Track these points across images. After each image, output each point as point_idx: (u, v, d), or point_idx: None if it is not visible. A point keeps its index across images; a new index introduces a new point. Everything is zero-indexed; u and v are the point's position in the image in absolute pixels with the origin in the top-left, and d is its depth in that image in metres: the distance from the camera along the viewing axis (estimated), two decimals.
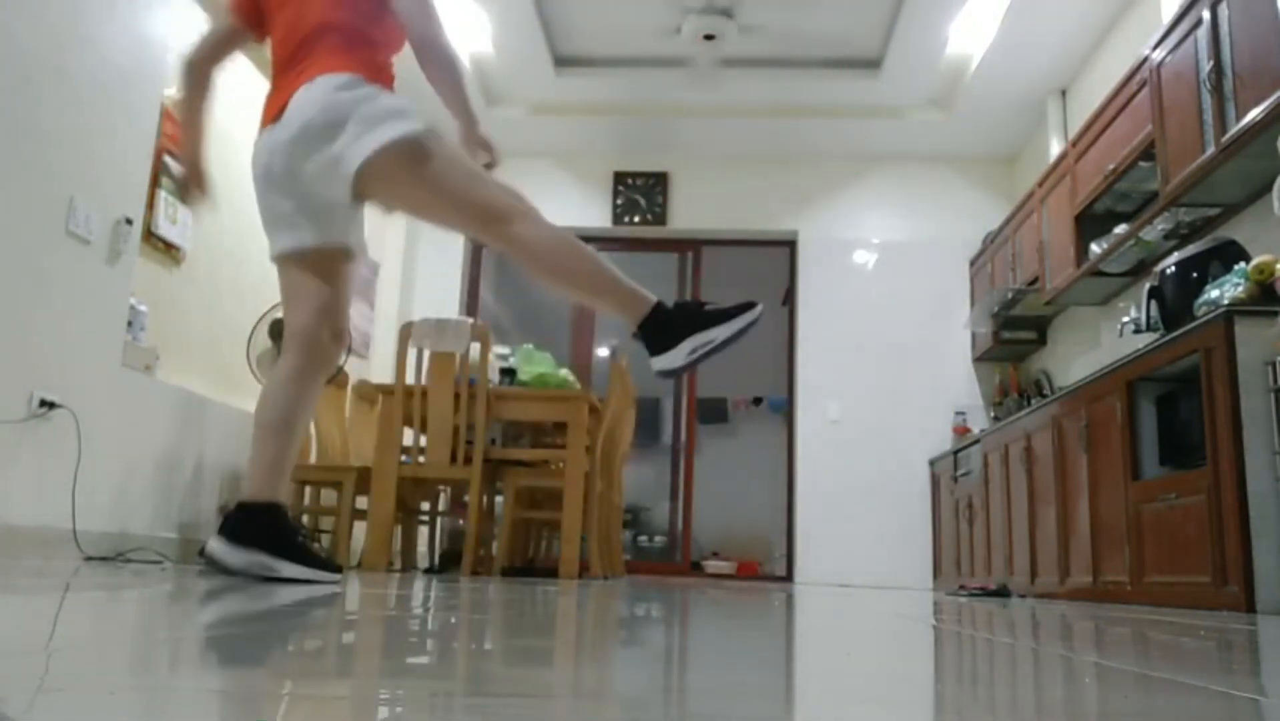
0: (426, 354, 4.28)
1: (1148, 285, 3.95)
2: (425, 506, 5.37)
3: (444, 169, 2.29)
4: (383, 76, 2.48)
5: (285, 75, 2.40)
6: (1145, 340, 3.83)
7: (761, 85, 6.26)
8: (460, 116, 2.61)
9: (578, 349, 7.13)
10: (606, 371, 4.93)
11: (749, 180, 7.11)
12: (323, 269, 2.42)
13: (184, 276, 4.42)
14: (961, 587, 5.26)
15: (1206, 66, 3.62)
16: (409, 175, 2.28)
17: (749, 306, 2.17)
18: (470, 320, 4.34)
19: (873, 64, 6.09)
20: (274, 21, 2.50)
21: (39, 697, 0.60)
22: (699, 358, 2.16)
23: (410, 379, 4.27)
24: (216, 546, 2.22)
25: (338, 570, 2.41)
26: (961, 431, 6.42)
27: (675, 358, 2.16)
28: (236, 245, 4.84)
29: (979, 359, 6.64)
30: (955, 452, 6.02)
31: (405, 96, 2.43)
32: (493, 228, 2.31)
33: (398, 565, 5.18)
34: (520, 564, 5.19)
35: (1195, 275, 3.66)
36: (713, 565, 7.55)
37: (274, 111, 2.36)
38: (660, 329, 2.17)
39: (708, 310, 2.18)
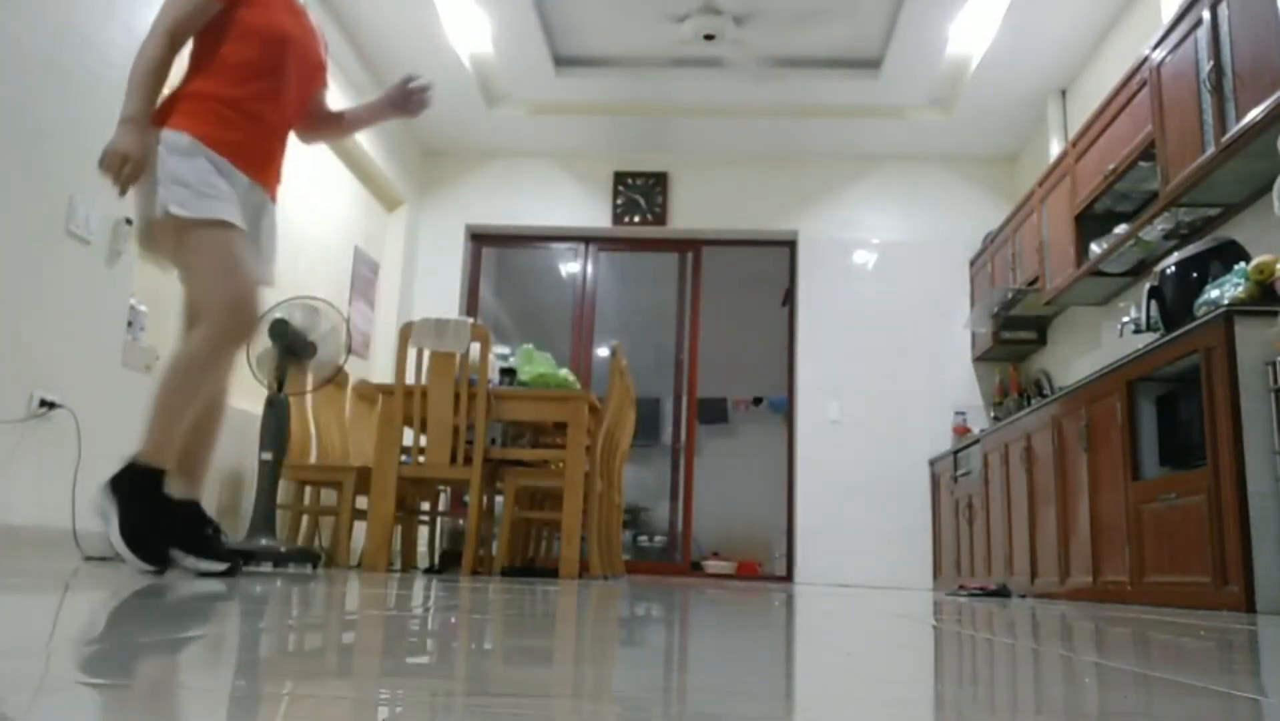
0: (426, 354, 4.28)
1: (1148, 285, 3.94)
2: (425, 506, 5.37)
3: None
4: None
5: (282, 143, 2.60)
6: (1145, 340, 3.83)
7: (762, 85, 6.25)
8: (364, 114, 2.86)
9: (578, 349, 7.13)
10: (606, 371, 4.93)
11: (749, 180, 7.11)
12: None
13: None
14: (961, 587, 5.26)
15: (1206, 66, 3.62)
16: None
17: (225, 562, 2.39)
18: (470, 320, 4.34)
19: (873, 64, 6.08)
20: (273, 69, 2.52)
21: (39, 697, 0.60)
22: (126, 543, 2.29)
23: (410, 379, 4.27)
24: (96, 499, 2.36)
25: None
26: (961, 431, 6.42)
27: (114, 529, 2.30)
28: None
29: (979, 359, 6.64)
30: (955, 452, 6.02)
31: None
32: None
33: (398, 565, 5.18)
34: (520, 564, 5.19)
35: (1195, 275, 3.66)
36: (713, 565, 7.54)
37: (269, 172, 2.56)
38: (135, 491, 2.31)
39: (188, 528, 2.38)
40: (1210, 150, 3.60)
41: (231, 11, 2.44)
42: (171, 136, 2.36)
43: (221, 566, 2.42)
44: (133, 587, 1.95)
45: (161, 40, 2.37)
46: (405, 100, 2.79)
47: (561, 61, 6.18)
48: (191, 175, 2.33)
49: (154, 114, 2.39)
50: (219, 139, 2.40)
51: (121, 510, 2.30)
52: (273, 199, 2.62)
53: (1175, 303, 3.71)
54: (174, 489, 2.40)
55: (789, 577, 6.73)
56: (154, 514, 2.34)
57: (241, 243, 2.39)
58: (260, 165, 2.52)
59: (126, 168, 2.29)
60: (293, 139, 2.73)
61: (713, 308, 7.32)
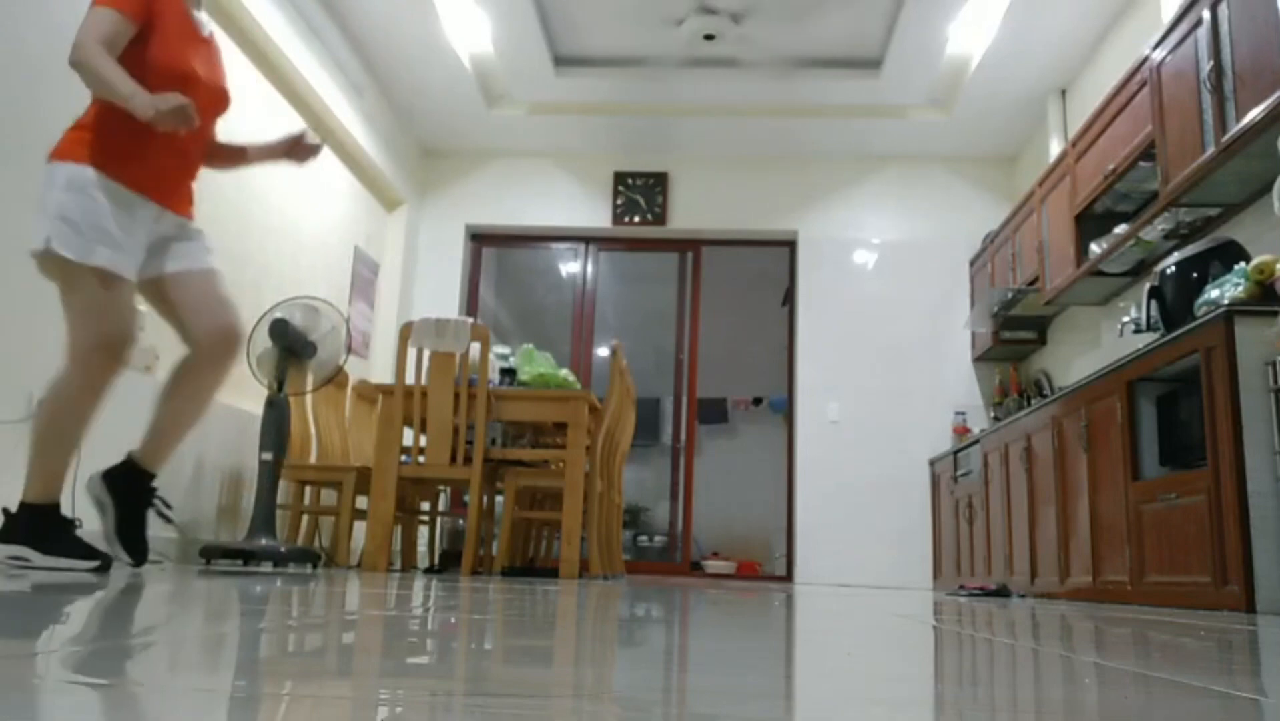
0: (426, 354, 4.28)
1: (1148, 285, 3.94)
2: (425, 506, 5.37)
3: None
4: None
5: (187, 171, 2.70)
6: (1145, 340, 3.83)
7: (762, 85, 6.26)
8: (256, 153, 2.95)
9: (578, 349, 7.13)
10: (606, 371, 4.93)
11: (749, 180, 7.11)
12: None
13: None
14: (961, 587, 5.26)
15: (1206, 66, 3.62)
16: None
17: (88, 558, 2.51)
18: (470, 320, 4.34)
19: (873, 64, 6.08)
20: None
21: (39, 697, 0.60)
22: (9, 560, 2.44)
23: (410, 379, 4.27)
24: None
25: (98, 557, 2.58)
26: (961, 431, 6.42)
27: (40, 560, 2.46)
28: (236, 245, 4.84)
29: (979, 359, 6.64)
30: (955, 452, 6.02)
31: None
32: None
33: (398, 565, 5.18)
34: (520, 564, 5.19)
35: (1195, 275, 3.66)
36: (713, 565, 7.54)
37: (181, 199, 2.66)
38: (23, 524, 2.45)
39: (63, 536, 2.50)
40: (1210, 150, 3.60)
41: (139, 45, 2.48)
42: (68, 170, 2.41)
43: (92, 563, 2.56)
44: (132, 588, 1.95)
45: (98, 48, 2.38)
46: (295, 150, 2.93)
47: (561, 61, 6.18)
48: (80, 213, 2.39)
49: (54, 147, 2.44)
50: (124, 170, 2.45)
51: (41, 552, 2.47)
52: (189, 218, 2.71)
53: (1175, 303, 3.71)
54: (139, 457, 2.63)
55: (789, 577, 6.73)
56: (66, 537, 2.51)
57: (118, 289, 2.46)
58: (169, 192, 2.59)
59: (188, 110, 2.35)
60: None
61: (713, 308, 7.32)
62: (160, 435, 2.68)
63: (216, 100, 2.70)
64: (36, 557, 2.46)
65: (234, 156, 2.95)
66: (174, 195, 2.60)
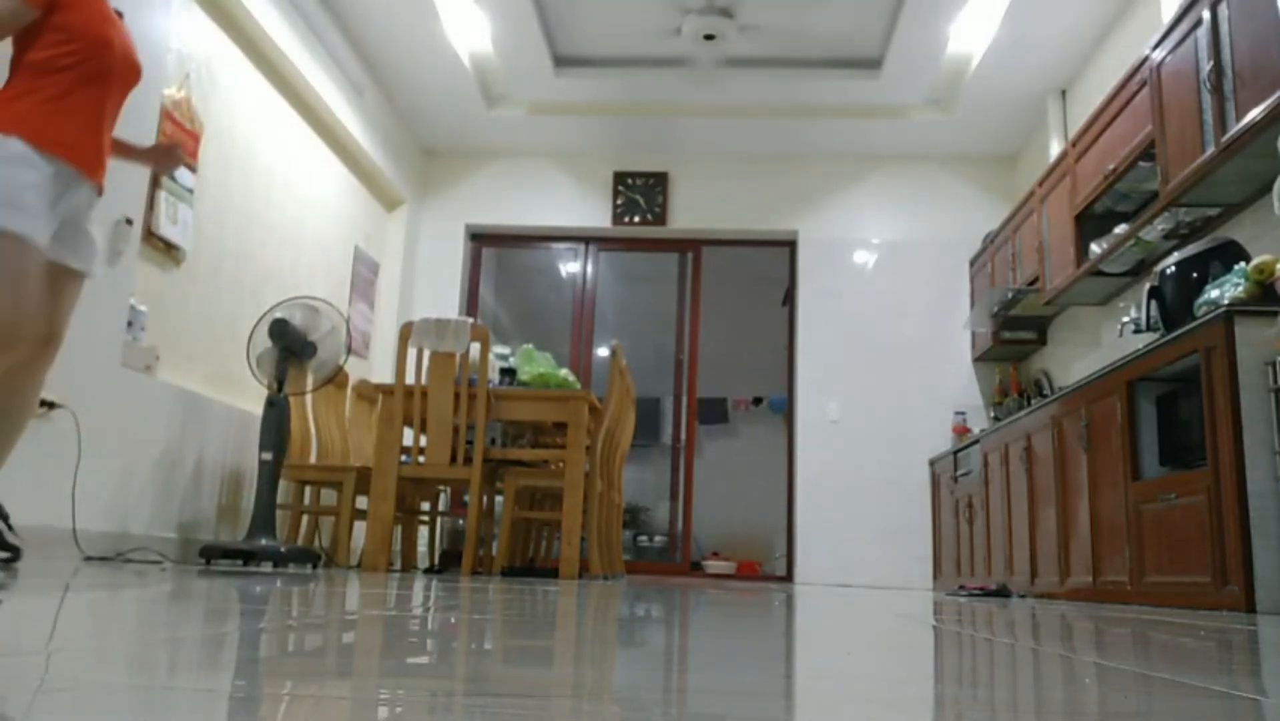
0: (426, 354, 4.28)
1: (1148, 285, 3.94)
2: (425, 506, 5.37)
3: None
4: None
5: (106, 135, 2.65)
6: (1145, 340, 3.83)
7: (761, 85, 6.26)
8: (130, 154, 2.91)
9: (577, 349, 7.13)
10: (606, 371, 4.93)
11: (749, 180, 7.11)
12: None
13: (184, 276, 4.42)
14: (961, 587, 5.26)
15: (1206, 66, 3.62)
16: None
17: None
18: (470, 320, 4.34)
19: (873, 64, 6.08)
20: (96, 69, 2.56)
21: (39, 697, 0.60)
22: None
23: (410, 379, 4.27)
24: None
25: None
26: (961, 431, 6.42)
27: None
28: (237, 245, 4.84)
29: (979, 359, 6.64)
30: (955, 452, 6.02)
31: None
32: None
33: (398, 565, 5.18)
34: (520, 564, 5.20)
35: (1195, 275, 3.66)
36: (713, 565, 7.54)
37: (99, 165, 2.60)
38: None
39: None
40: (1210, 150, 3.60)
41: (50, 15, 2.46)
42: None
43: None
44: (132, 588, 1.95)
45: None
46: (161, 157, 2.96)
47: (561, 61, 6.18)
48: (3, 183, 2.32)
49: None
50: (52, 139, 2.41)
51: None
52: (99, 192, 2.63)
53: (1175, 303, 3.71)
54: None
55: (789, 577, 6.73)
56: None
57: (35, 261, 2.36)
58: (91, 162, 2.54)
59: None
60: None
61: (713, 307, 7.32)
62: None
63: (130, 69, 2.68)
64: None
65: (118, 146, 2.89)
66: (94, 166, 2.56)
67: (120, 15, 2.75)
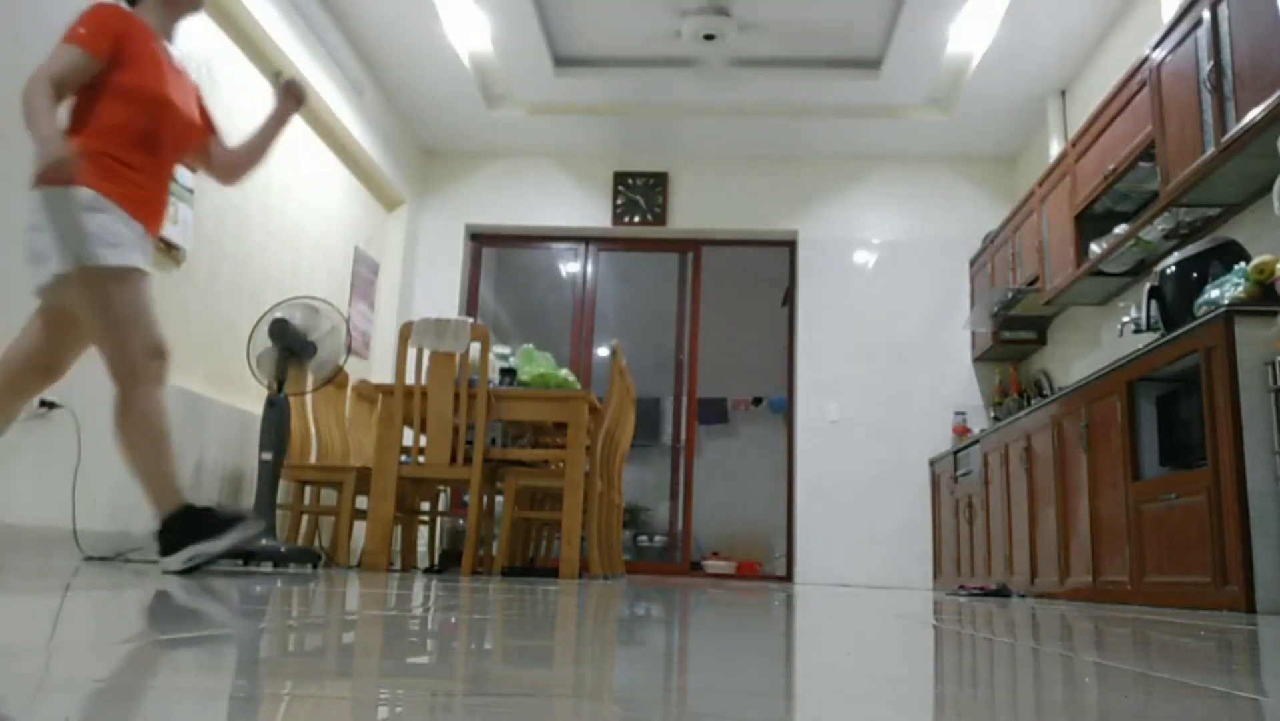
0: (426, 354, 4.28)
1: (1148, 285, 3.94)
2: (425, 506, 5.37)
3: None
4: None
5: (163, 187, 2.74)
6: (1145, 340, 3.83)
7: (761, 85, 6.26)
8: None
9: (577, 349, 7.13)
10: (606, 371, 4.93)
11: (749, 180, 7.11)
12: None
13: (183, 276, 4.42)
14: (961, 587, 5.26)
15: (1206, 66, 3.62)
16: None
17: (242, 519, 2.57)
18: (470, 320, 4.34)
19: (873, 64, 6.08)
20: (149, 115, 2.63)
21: (39, 697, 0.60)
22: (195, 566, 2.52)
23: (410, 379, 4.27)
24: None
25: (242, 514, 2.66)
26: (961, 431, 6.42)
27: (173, 563, 2.50)
28: (236, 245, 4.84)
29: (979, 359, 6.64)
30: (955, 452, 6.02)
31: None
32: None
33: (398, 565, 5.18)
34: (520, 564, 5.20)
35: (1195, 275, 3.66)
36: (713, 565, 7.54)
37: (157, 221, 2.69)
38: (178, 530, 2.50)
39: (213, 520, 2.55)
40: (1210, 150, 3.60)
41: (110, 74, 2.55)
42: (84, 193, 2.46)
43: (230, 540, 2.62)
44: (132, 588, 1.95)
45: (47, 88, 2.44)
46: (286, 103, 2.95)
47: (561, 61, 6.18)
48: (97, 228, 2.46)
49: (40, 173, 2.46)
50: (116, 193, 2.51)
51: (205, 549, 2.51)
52: (157, 237, 2.77)
53: (1175, 303, 3.71)
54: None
55: (789, 577, 6.73)
56: (214, 517, 2.56)
57: (148, 289, 2.56)
58: (150, 216, 2.65)
59: (68, 166, 2.40)
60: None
61: (713, 307, 7.32)
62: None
63: (188, 129, 2.75)
64: (211, 546, 2.52)
65: (253, 151, 2.98)
66: (153, 221, 2.67)
67: (183, 74, 2.80)
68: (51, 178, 2.39)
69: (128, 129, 2.55)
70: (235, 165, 2.95)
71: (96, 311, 2.51)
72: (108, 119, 2.54)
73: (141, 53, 2.60)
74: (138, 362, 2.50)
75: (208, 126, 2.87)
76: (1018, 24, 5.32)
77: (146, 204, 2.61)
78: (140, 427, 2.51)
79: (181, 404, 4.21)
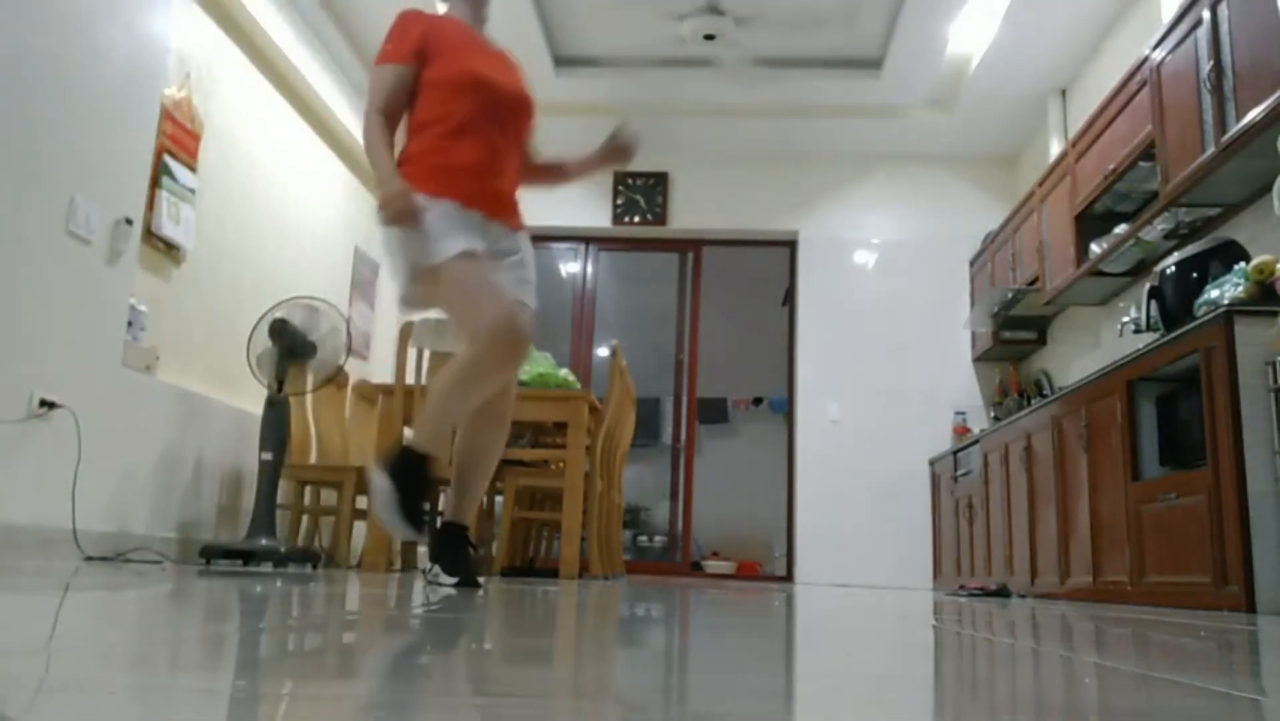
0: (426, 354, 4.28)
1: (1148, 285, 3.94)
2: (426, 506, 5.36)
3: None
4: None
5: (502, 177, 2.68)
6: (1145, 340, 3.83)
7: (762, 85, 6.25)
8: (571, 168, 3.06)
9: (578, 349, 7.13)
10: (606, 371, 4.93)
11: (749, 180, 7.11)
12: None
13: (184, 276, 4.42)
14: (961, 588, 5.26)
15: (1206, 66, 3.62)
16: None
17: (468, 581, 2.67)
18: None
19: (873, 64, 6.08)
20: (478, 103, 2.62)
21: (39, 697, 0.60)
22: (399, 517, 2.48)
23: (410, 379, 4.27)
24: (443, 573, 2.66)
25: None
26: (961, 431, 6.42)
27: (387, 504, 2.44)
28: (237, 245, 4.84)
29: (979, 359, 6.64)
30: (955, 452, 6.02)
31: None
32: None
33: (398, 565, 5.18)
34: (520, 564, 5.19)
35: (1195, 275, 3.66)
36: (713, 565, 7.54)
37: (499, 206, 2.64)
38: (405, 472, 2.45)
39: (447, 546, 2.73)
40: (1210, 150, 3.60)
41: (425, 72, 2.59)
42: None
43: (453, 581, 2.65)
44: (132, 588, 1.95)
45: (375, 119, 2.54)
46: (614, 153, 2.92)
47: (561, 61, 6.18)
48: (426, 227, 2.45)
49: None
50: (440, 190, 2.50)
51: (396, 488, 2.44)
52: (516, 229, 2.71)
53: (1175, 303, 3.71)
54: (446, 510, 2.71)
55: (789, 578, 6.73)
56: (419, 491, 2.51)
57: (487, 266, 2.50)
58: (490, 202, 2.60)
59: (402, 205, 2.43)
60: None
61: (713, 307, 7.32)
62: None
63: (519, 103, 2.74)
64: (389, 497, 2.45)
65: (554, 174, 3.03)
66: (495, 206, 2.62)
67: (505, 54, 2.80)
68: (389, 220, 2.44)
69: (451, 116, 2.55)
70: (531, 171, 2.94)
71: (442, 308, 2.55)
72: (427, 114, 2.57)
73: (449, 43, 2.61)
74: (479, 338, 2.39)
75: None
76: (1018, 24, 5.32)
77: (486, 194, 2.57)
78: (449, 374, 2.41)
79: (182, 403, 4.21)
